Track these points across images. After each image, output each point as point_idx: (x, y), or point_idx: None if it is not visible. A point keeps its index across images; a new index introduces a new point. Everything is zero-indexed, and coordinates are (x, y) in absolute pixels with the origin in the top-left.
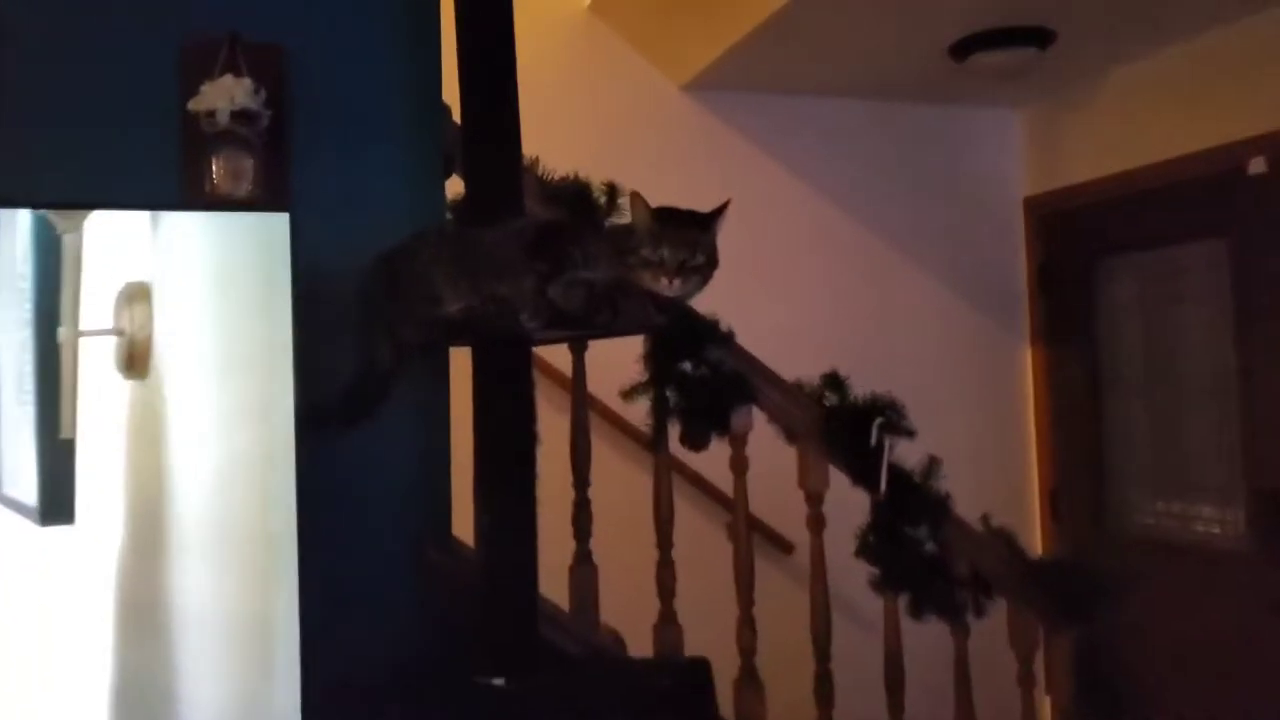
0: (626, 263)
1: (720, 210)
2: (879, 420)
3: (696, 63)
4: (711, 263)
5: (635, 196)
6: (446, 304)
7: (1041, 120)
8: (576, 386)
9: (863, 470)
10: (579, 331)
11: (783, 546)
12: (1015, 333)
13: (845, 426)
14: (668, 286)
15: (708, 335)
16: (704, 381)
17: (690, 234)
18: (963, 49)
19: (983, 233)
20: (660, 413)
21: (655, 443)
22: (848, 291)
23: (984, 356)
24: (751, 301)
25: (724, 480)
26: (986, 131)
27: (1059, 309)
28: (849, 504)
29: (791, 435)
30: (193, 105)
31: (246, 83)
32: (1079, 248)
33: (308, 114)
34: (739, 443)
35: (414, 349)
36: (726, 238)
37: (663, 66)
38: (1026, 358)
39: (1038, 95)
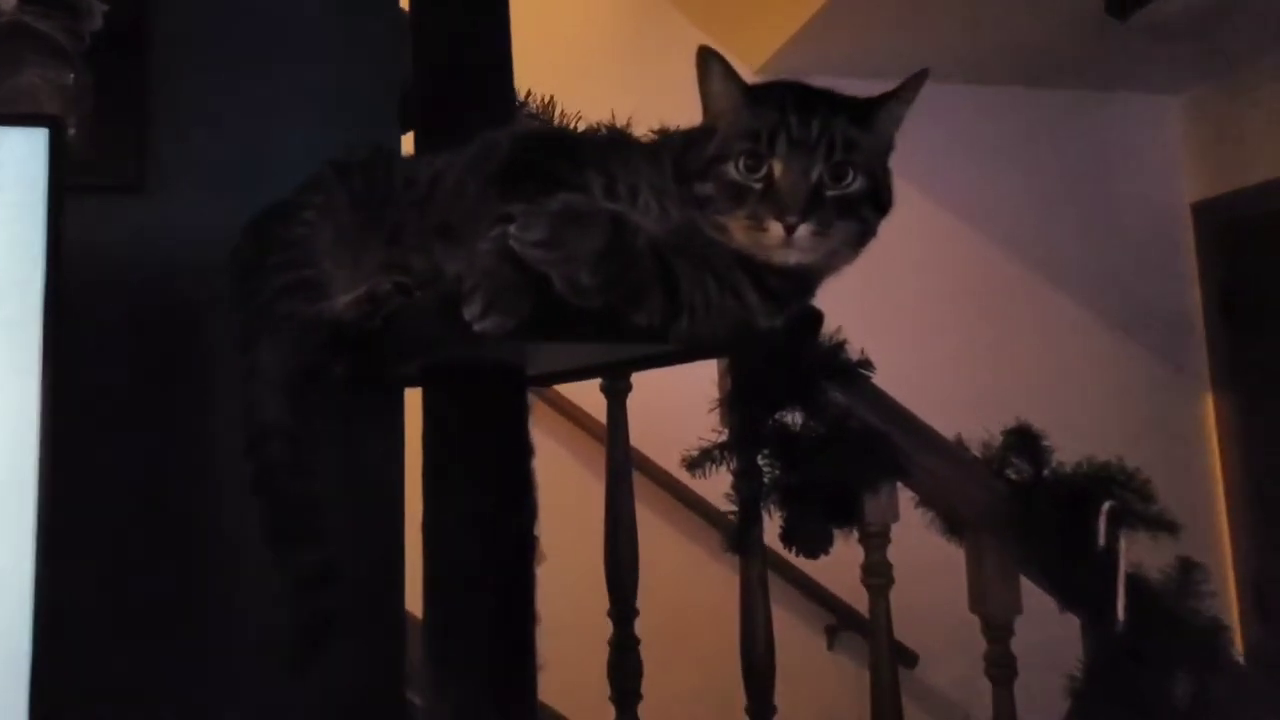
0: (693, 194)
1: (901, 91)
2: (1108, 505)
3: (770, 43)
4: (876, 196)
5: (706, 55)
6: (334, 293)
7: (1209, 108)
8: (614, 454)
9: (1078, 583)
10: (602, 350)
11: (905, 658)
12: (1189, 374)
13: (1050, 514)
14: (783, 241)
15: (828, 367)
16: (821, 444)
17: (828, 129)
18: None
19: (1139, 246)
20: (749, 494)
21: (740, 540)
22: (967, 321)
23: (1148, 404)
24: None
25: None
26: (1140, 122)
27: (1249, 343)
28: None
29: (955, 525)
30: None
31: None
32: (1272, 264)
33: (182, 19)
34: (876, 545)
35: (307, 388)
36: None
37: (734, 49)
38: (1206, 406)
39: (1201, 78)
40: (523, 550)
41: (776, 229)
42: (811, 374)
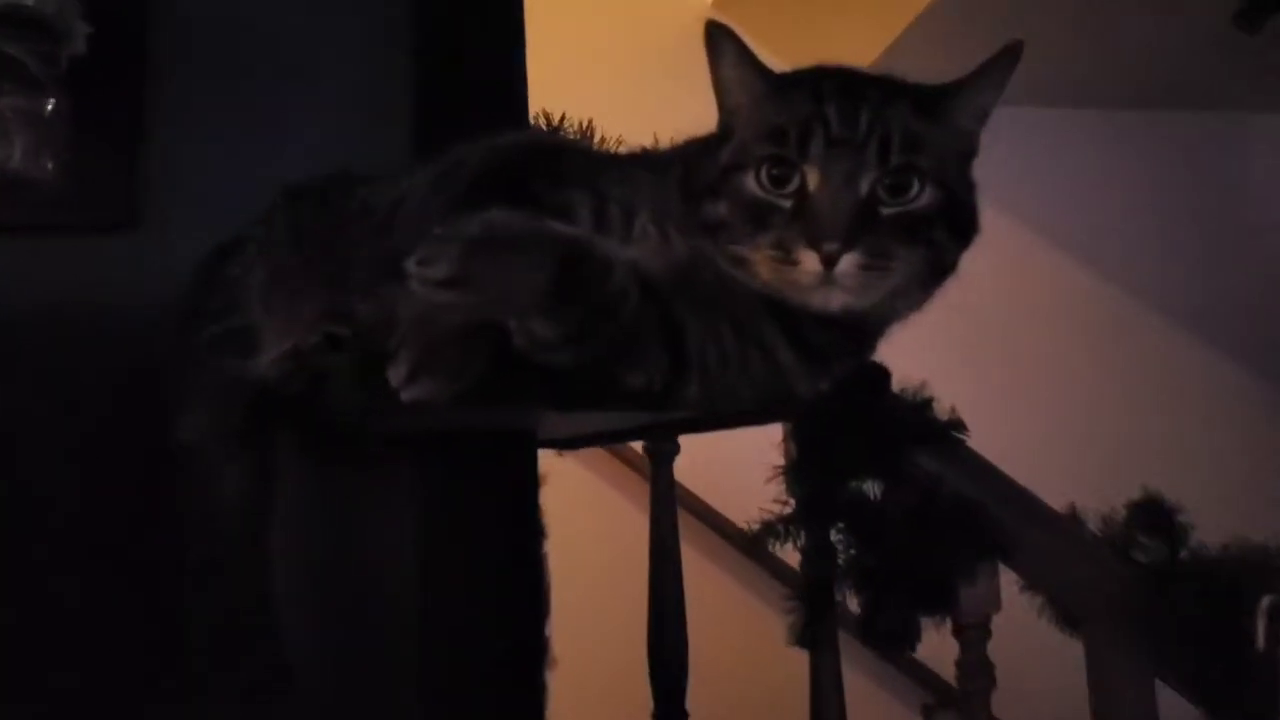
0: (702, 218)
1: (984, 73)
2: (1269, 601)
3: (873, 47)
4: (952, 214)
5: (716, 33)
6: (264, 348)
7: None
8: (659, 528)
9: (1230, 694)
10: (580, 413)
11: None
12: None
13: (1191, 606)
14: (821, 278)
15: (913, 428)
16: (906, 519)
17: (882, 122)
18: (1259, 10)
19: (1274, 281)
20: (820, 577)
21: (810, 632)
22: (1077, 372)
23: None
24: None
25: None
26: (1273, 144)
27: None
28: None
29: (1071, 616)
30: None
31: None
32: None
33: (178, 40)
34: (974, 639)
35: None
36: None
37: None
38: None
39: None
40: (531, 654)
41: (811, 261)
42: (893, 437)
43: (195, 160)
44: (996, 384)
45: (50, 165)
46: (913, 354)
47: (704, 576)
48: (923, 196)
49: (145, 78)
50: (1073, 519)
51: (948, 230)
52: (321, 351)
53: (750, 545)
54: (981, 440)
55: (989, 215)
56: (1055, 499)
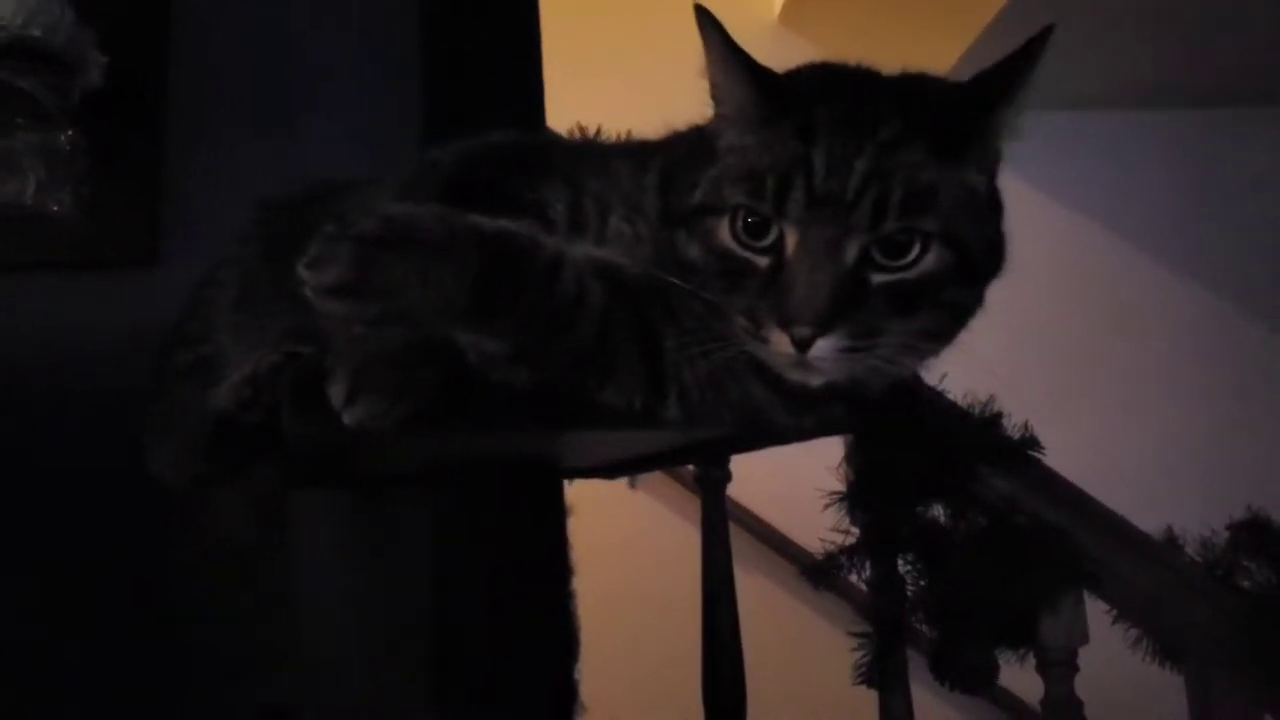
0: (675, 250)
1: (1016, 74)
2: None
3: (942, 64)
4: (969, 265)
5: (704, 20)
6: (228, 375)
7: None
8: (711, 562)
9: None
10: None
11: None
12: None
13: None
14: (793, 360)
15: (983, 447)
16: (980, 546)
17: (882, 172)
18: None
19: None
20: (889, 612)
21: (878, 669)
22: (1182, 383)
23: None
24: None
25: None
26: None
27: None
28: None
29: (1172, 652)
30: None
31: (58, 6)
32: None
33: (196, 73)
34: (1059, 676)
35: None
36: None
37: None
38: None
39: None
40: (553, 689)
41: (782, 342)
42: (959, 457)
43: (212, 192)
44: (1081, 399)
45: (67, 200)
46: (985, 367)
47: (777, 604)
48: (925, 260)
49: (164, 109)
50: (1169, 543)
51: (962, 284)
52: (278, 374)
53: (813, 577)
54: (1067, 460)
55: (1081, 224)
56: (1150, 522)
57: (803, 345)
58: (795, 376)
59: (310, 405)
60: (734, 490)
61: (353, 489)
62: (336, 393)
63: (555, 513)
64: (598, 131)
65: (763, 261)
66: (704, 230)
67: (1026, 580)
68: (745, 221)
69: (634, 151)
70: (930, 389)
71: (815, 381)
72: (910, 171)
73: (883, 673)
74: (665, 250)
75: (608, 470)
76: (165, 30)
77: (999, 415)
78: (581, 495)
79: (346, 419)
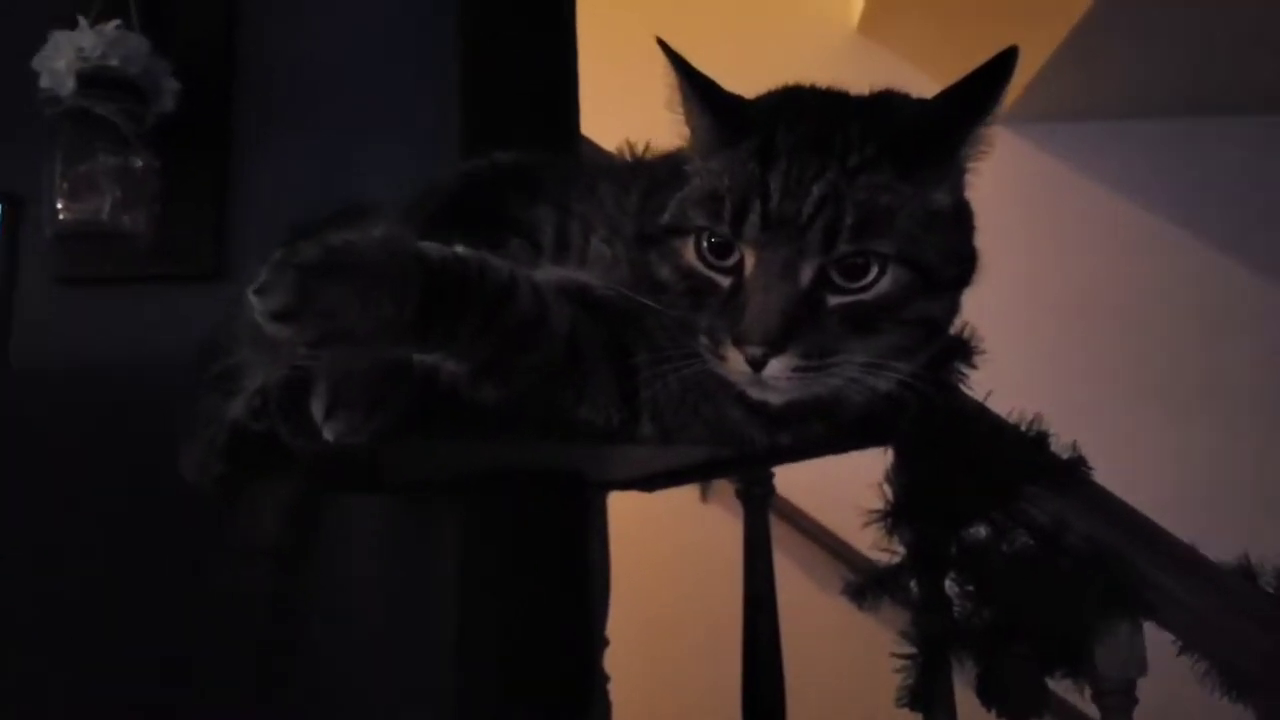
0: (648, 271)
1: (984, 93)
2: None
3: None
4: (930, 279)
5: (665, 52)
6: (246, 386)
7: None
8: (753, 576)
9: None
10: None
11: None
12: None
13: None
14: (750, 378)
15: (1030, 466)
16: (1029, 569)
17: (835, 195)
18: None
19: None
20: (934, 634)
21: (923, 693)
22: (1256, 402)
23: None
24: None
25: None
26: None
27: None
28: None
29: (1241, 684)
30: (37, 63)
31: (134, 38)
32: None
33: (263, 95)
34: (1115, 706)
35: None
36: (1038, 305)
37: None
38: None
39: None
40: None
41: (737, 360)
42: (1006, 476)
43: (273, 210)
44: (1149, 418)
45: (140, 218)
46: (1041, 381)
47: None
48: (882, 282)
49: (230, 132)
50: (1242, 571)
51: (928, 298)
52: (283, 388)
53: (855, 597)
54: (1130, 481)
55: (1161, 228)
56: (1231, 546)
57: (756, 364)
58: (755, 394)
59: (299, 418)
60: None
61: (382, 494)
62: (317, 407)
63: (579, 521)
64: (646, 148)
65: (725, 281)
66: (671, 251)
67: (1077, 606)
68: (709, 242)
69: (620, 174)
70: (976, 404)
71: (775, 400)
72: (869, 194)
73: (928, 697)
74: (640, 271)
75: (644, 483)
76: (231, 59)
77: (1045, 434)
78: (655, 506)
79: (326, 432)
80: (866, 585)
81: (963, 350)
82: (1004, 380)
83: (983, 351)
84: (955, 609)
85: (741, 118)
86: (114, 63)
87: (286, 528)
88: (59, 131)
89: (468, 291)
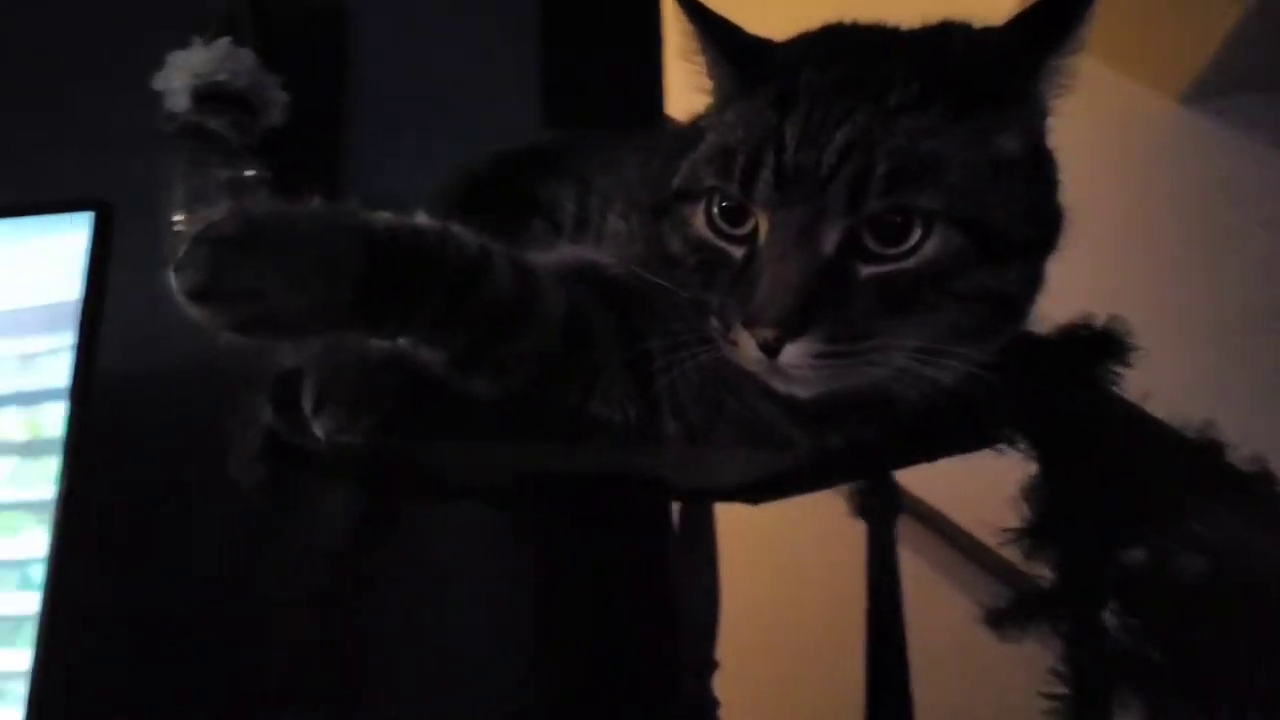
0: (661, 246)
1: (1066, 9)
2: None
3: (1190, 65)
4: (999, 243)
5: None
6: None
7: None
8: (878, 602)
9: None
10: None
11: None
12: None
13: None
14: (766, 367)
15: (1200, 477)
16: (1205, 599)
17: (864, 142)
18: None
19: None
20: (1089, 674)
21: None
22: None
23: None
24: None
25: None
26: None
27: None
28: None
29: None
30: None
31: (243, 54)
32: None
33: (374, 115)
34: None
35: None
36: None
37: (1147, 78)
38: None
39: None
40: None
41: (749, 346)
42: (1174, 492)
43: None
44: None
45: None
46: (1213, 385)
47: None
48: (928, 246)
49: (341, 142)
50: None
51: (992, 268)
52: (281, 383)
53: (995, 625)
54: None
55: None
56: None
57: (769, 350)
58: (779, 386)
59: (294, 416)
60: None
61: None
62: (306, 404)
63: (660, 531)
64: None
65: (738, 252)
66: (682, 219)
67: (1263, 644)
68: (720, 206)
69: (648, 143)
70: (1133, 408)
71: (801, 392)
72: (907, 139)
73: None
74: (654, 245)
75: (745, 494)
76: (341, 72)
77: (1218, 443)
78: (801, 516)
79: (316, 430)
80: (1008, 613)
81: (1113, 346)
82: (1167, 383)
83: (1138, 349)
84: (1117, 644)
85: (765, 63)
86: (223, 77)
87: (357, 532)
88: (177, 147)
89: (424, 269)
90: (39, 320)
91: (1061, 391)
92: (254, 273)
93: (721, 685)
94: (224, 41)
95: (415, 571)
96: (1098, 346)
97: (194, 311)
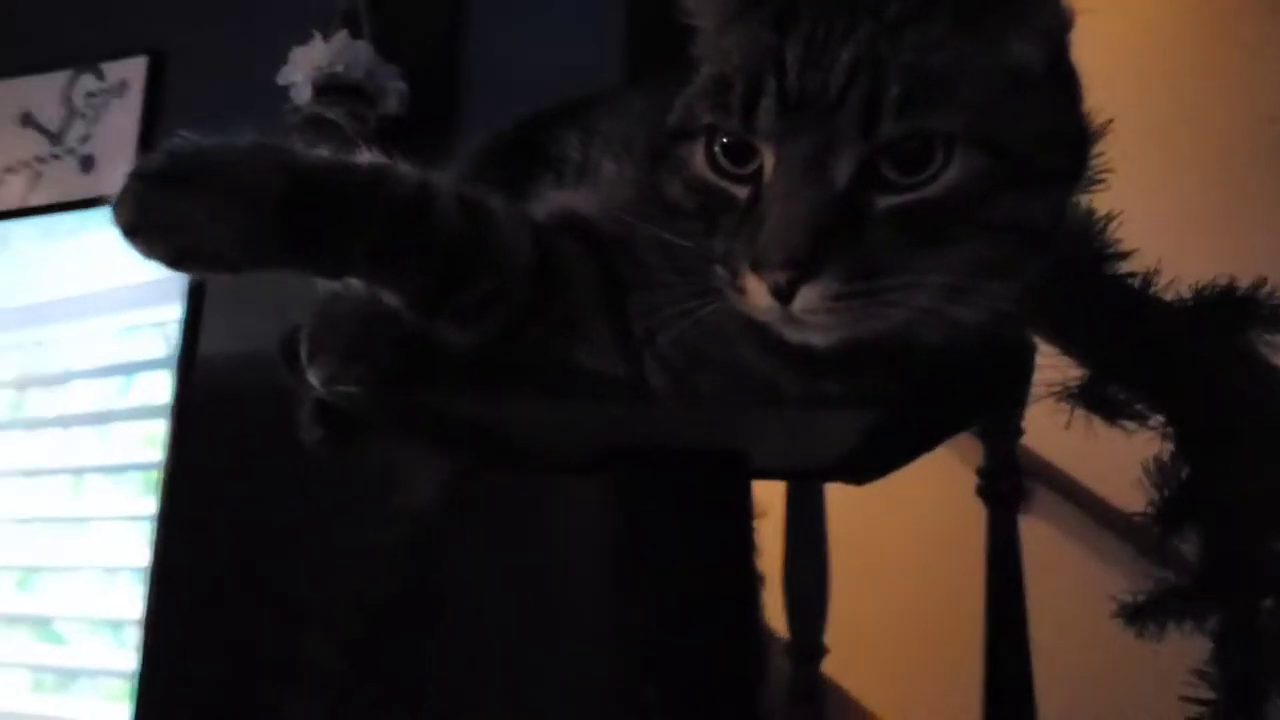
0: (660, 192)
1: None
2: None
3: None
4: (1025, 167)
5: None
6: None
7: None
8: (998, 598)
9: None
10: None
11: None
12: None
13: None
14: (778, 313)
15: None
16: None
17: (875, 62)
18: None
19: None
20: (1239, 676)
21: None
22: None
23: None
24: None
25: None
26: None
27: None
28: None
29: None
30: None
31: (359, 46)
32: None
33: (489, 104)
34: None
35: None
36: None
37: None
38: None
39: None
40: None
41: (759, 292)
42: None
43: None
44: None
45: None
46: None
47: None
48: (950, 171)
49: (457, 131)
50: None
51: (1019, 194)
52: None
53: (1132, 620)
54: None
55: None
56: None
57: (781, 295)
58: (793, 335)
59: (297, 366)
60: None
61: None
62: (302, 355)
63: (740, 513)
64: None
65: (743, 193)
66: (679, 160)
67: None
68: (721, 144)
69: (651, 84)
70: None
71: (818, 341)
72: (917, 54)
73: None
74: (647, 192)
75: (844, 473)
76: (456, 62)
77: None
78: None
79: (311, 380)
80: (1146, 607)
81: (1265, 313)
82: None
83: None
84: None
85: None
86: (340, 69)
87: (436, 497)
88: (299, 138)
89: (354, 202)
90: (140, 296)
91: (1199, 363)
92: (176, 206)
93: (832, 671)
94: (342, 34)
95: (505, 554)
96: (1242, 311)
97: (130, 247)
